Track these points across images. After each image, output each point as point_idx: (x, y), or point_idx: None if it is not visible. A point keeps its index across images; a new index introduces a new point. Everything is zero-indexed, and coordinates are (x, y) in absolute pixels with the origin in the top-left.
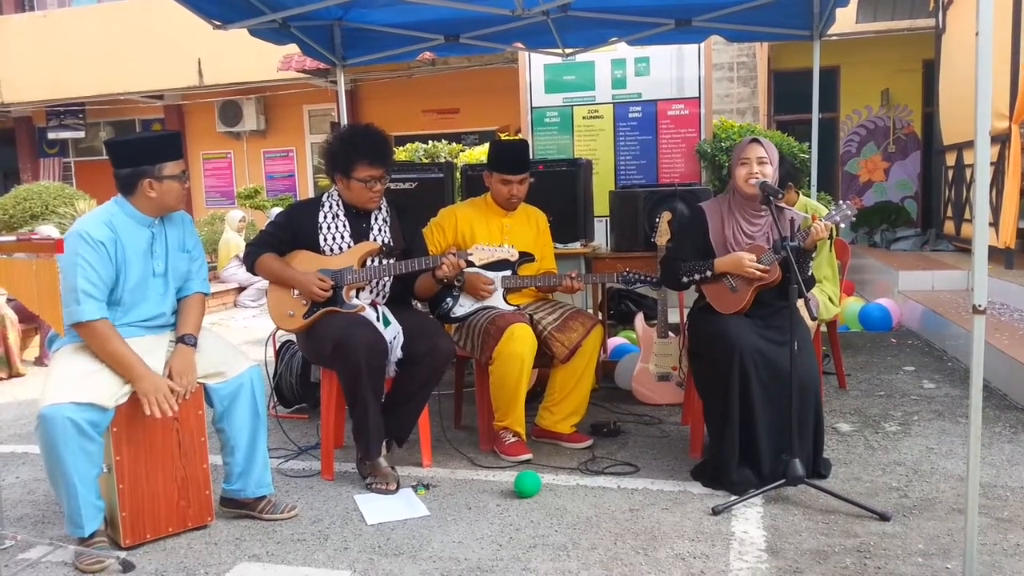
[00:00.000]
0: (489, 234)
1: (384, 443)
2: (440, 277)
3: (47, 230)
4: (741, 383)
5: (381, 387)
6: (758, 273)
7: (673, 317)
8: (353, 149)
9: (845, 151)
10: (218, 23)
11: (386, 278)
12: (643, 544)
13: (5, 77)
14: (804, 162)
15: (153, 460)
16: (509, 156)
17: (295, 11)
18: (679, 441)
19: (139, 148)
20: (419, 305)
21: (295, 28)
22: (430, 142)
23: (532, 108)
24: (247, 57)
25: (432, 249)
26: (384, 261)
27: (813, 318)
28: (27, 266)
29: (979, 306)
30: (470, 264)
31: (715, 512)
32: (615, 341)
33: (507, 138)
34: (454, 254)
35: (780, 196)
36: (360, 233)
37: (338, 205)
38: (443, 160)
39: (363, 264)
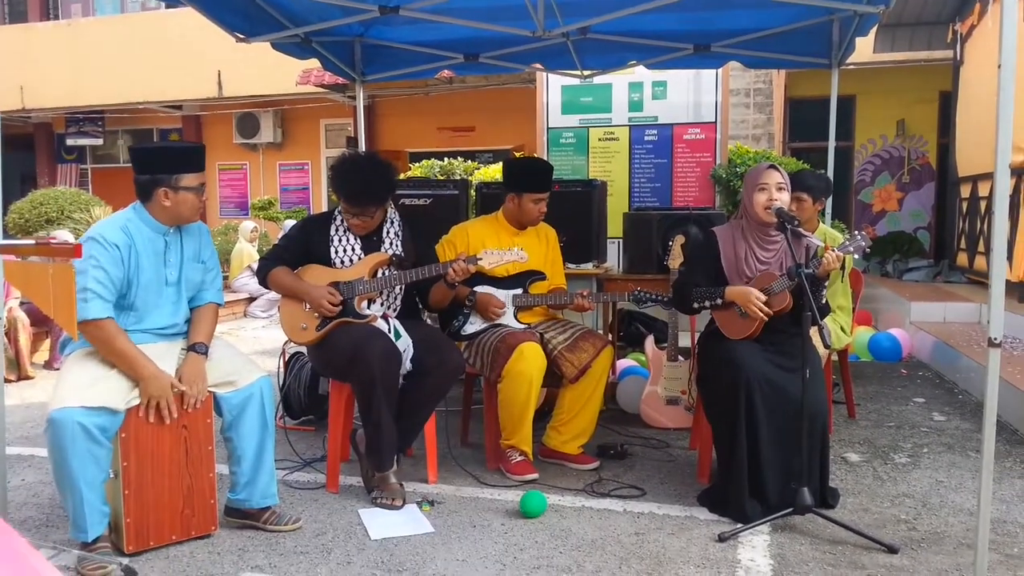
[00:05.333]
0: (500, 249)
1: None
2: (450, 282)
3: (62, 235)
4: (747, 409)
5: (394, 398)
6: (760, 314)
7: (684, 341)
8: (339, 187)
9: (859, 180)
10: (241, 36)
11: (397, 289)
12: (648, 569)
13: (27, 83)
14: None
15: (160, 467)
16: (539, 174)
17: (318, 27)
18: (686, 465)
19: (159, 157)
20: (430, 320)
21: (316, 43)
22: (446, 159)
23: (548, 128)
24: (266, 70)
25: None
26: (395, 271)
27: (826, 346)
28: (43, 269)
29: (995, 339)
30: (479, 270)
31: (721, 539)
32: (624, 363)
33: (522, 155)
34: (464, 259)
35: (796, 223)
36: (371, 247)
37: None
38: (458, 177)
39: (374, 275)
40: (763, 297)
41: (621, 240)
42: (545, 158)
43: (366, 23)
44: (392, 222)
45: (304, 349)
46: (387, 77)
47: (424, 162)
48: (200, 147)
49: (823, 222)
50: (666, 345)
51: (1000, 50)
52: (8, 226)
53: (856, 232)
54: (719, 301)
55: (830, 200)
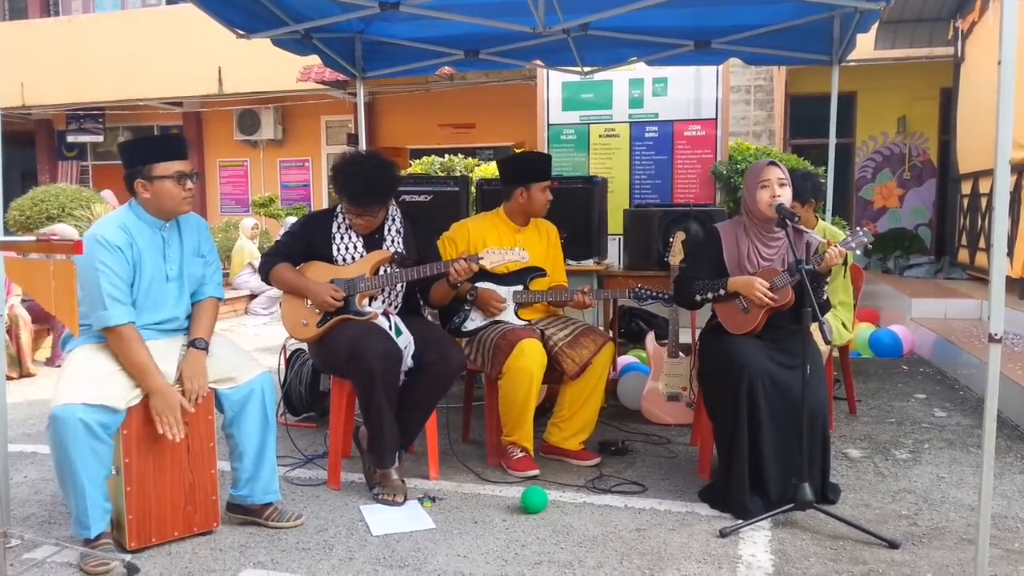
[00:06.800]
0: (502, 248)
1: (397, 454)
2: (453, 282)
3: (63, 228)
4: (750, 405)
5: (395, 395)
6: (765, 300)
7: (684, 337)
8: (341, 187)
9: (860, 177)
10: (242, 32)
11: (399, 287)
12: (649, 564)
13: (28, 80)
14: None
15: (162, 464)
16: (543, 163)
17: (318, 23)
18: (687, 462)
19: (134, 149)
20: (430, 316)
21: (317, 40)
22: (446, 156)
23: (549, 125)
24: (266, 67)
25: None
26: (396, 269)
27: (827, 342)
28: (44, 266)
29: (995, 335)
30: (481, 268)
31: (723, 534)
32: (625, 359)
33: (520, 151)
34: (465, 258)
35: (796, 220)
36: (373, 244)
37: None
38: (459, 174)
39: (375, 272)
40: (767, 284)
41: (622, 237)
42: None
43: (366, 19)
44: (394, 220)
45: (305, 346)
46: (388, 74)
47: (424, 159)
48: (175, 136)
49: (823, 219)
50: (667, 341)
51: (1000, 46)
52: (9, 223)
53: (858, 228)
54: (722, 292)
55: (831, 197)
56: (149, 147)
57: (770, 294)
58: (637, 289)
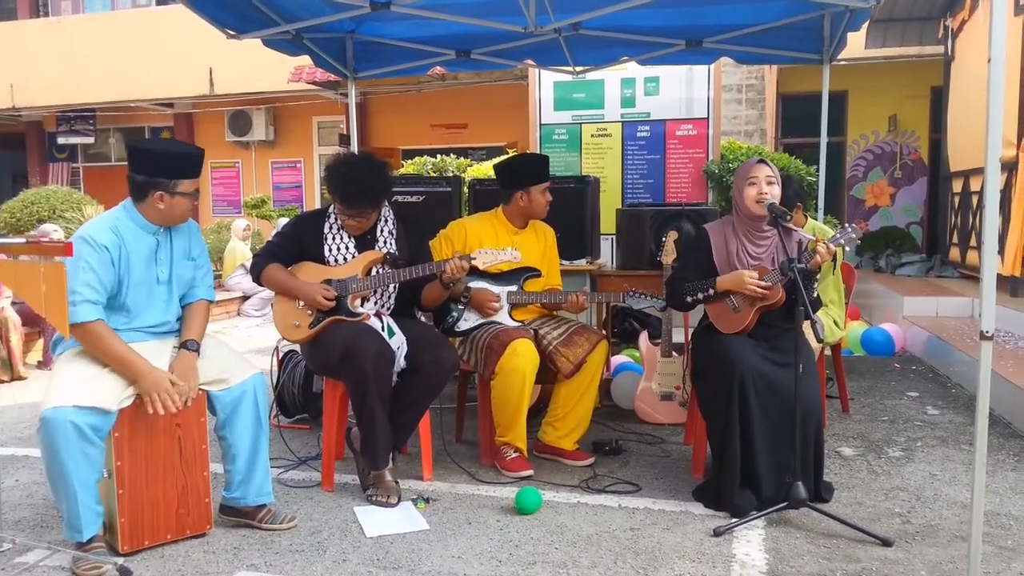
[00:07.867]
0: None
1: (391, 455)
2: (446, 282)
3: (48, 228)
4: (741, 404)
5: (388, 396)
6: (758, 291)
7: (677, 337)
8: (334, 189)
9: (852, 175)
10: (232, 33)
11: (391, 287)
12: (644, 564)
13: (18, 81)
14: (811, 185)
15: (154, 466)
16: (541, 165)
17: (309, 23)
18: (681, 461)
19: (160, 159)
20: (423, 317)
21: (308, 40)
22: (438, 156)
23: (541, 125)
24: (258, 67)
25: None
26: (389, 270)
27: (819, 340)
28: (34, 268)
29: (987, 332)
30: (474, 269)
31: (717, 533)
32: (619, 359)
33: (515, 153)
34: (458, 257)
35: (788, 218)
36: (365, 245)
37: None
38: (451, 174)
39: (368, 273)
40: (755, 275)
41: (614, 236)
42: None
43: (357, 19)
44: (386, 220)
45: (298, 347)
46: (379, 74)
47: (417, 159)
48: (200, 152)
49: (814, 219)
50: (660, 341)
51: (990, 44)
52: None
53: (847, 224)
54: (711, 292)
55: (822, 196)
56: (177, 163)
57: (763, 283)
58: (630, 293)
